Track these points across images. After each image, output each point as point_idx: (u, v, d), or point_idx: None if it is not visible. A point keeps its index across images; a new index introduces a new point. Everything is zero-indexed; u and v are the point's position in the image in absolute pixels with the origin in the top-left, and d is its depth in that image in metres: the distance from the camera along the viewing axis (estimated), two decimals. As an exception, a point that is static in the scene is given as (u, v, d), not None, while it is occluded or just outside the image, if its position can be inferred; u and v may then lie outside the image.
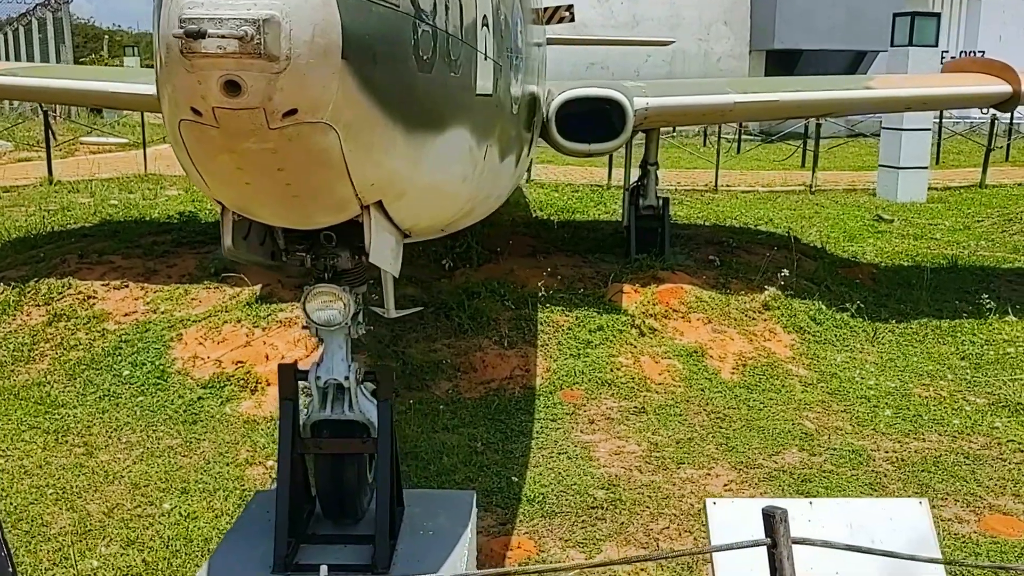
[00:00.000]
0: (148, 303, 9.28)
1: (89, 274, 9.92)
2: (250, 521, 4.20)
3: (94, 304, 9.35)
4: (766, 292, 9.42)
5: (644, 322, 8.77)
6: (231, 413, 7.46)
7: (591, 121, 8.31)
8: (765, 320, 9.16)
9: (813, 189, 18.55)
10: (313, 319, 3.77)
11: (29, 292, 9.59)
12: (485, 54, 3.65)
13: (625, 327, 8.70)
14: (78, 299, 9.44)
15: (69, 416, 7.46)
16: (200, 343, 8.43)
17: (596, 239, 11.47)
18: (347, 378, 3.90)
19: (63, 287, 9.64)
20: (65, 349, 8.68)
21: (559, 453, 6.78)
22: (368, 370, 4.02)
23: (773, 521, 2.88)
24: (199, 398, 7.67)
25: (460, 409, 7.43)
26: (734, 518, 4.29)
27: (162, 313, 9.06)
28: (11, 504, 6.06)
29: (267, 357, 8.16)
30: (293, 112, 2.50)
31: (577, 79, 11.29)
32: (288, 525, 3.93)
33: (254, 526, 4.10)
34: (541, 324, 8.64)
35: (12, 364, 8.55)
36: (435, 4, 3.03)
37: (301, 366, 4.04)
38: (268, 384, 7.76)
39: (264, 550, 3.84)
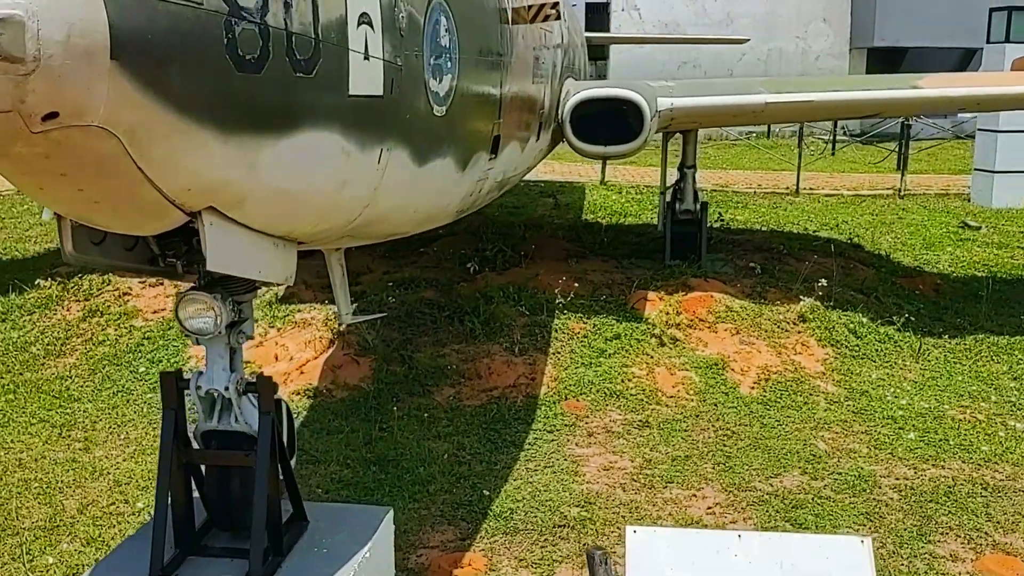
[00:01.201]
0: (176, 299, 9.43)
1: (130, 271, 10.17)
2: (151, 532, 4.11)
3: (128, 301, 9.58)
4: (802, 303, 8.93)
5: (665, 332, 8.43)
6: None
7: (609, 122, 8.03)
8: (799, 332, 8.68)
9: (902, 193, 17.64)
10: (186, 327, 3.67)
11: (72, 288, 9.90)
12: (366, 54, 3.48)
13: (644, 336, 8.38)
14: (114, 295, 9.69)
15: (79, 411, 7.63)
16: (216, 342, 8.50)
17: (636, 244, 11.15)
18: (227, 388, 3.79)
19: (103, 283, 9.91)
20: (94, 344, 8.91)
21: (545, 467, 6.55)
22: (250, 381, 3.89)
23: (593, 563, 2.62)
24: (204, 397, 7.72)
25: (457, 417, 7.27)
26: (654, 548, 4.01)
27: (188, 311, 9.19)
28: (-5, 496, 6.22)
29: (276, 358, 8.18)
30: (54, 115, 2.39)
31: (670, 78, 11.10)
32: (175, 536, 3.86)
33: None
34: (556, 331, 8.40)
35: (44, 358, 8.82)
36: (266, 2, 2.88)
37: (186, 375, 3.95)
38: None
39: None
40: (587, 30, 32.68)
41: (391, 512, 4.39)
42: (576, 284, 9.01)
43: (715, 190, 17.44)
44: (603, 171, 18.56)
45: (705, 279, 9.40)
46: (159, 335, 8.79)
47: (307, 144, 3.21)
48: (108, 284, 9.91)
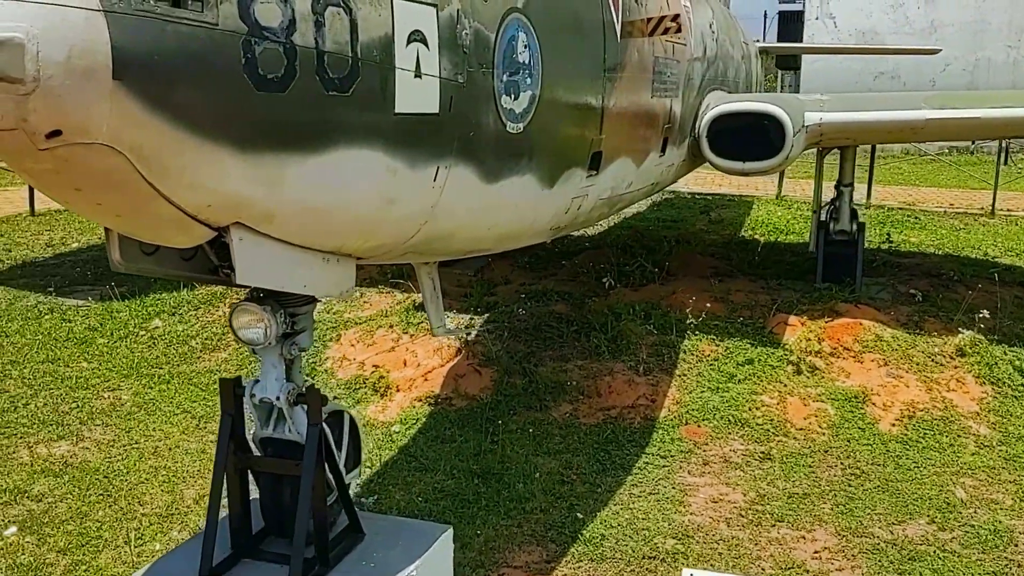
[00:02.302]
0: (326, 303, 9.82)
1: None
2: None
3: (281, 300, 10.03)
4: (961, 335, 8.22)
5: (804, 359, 7.98)
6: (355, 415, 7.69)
7: (750, 138, 7.69)
8: (955, 367, 8.00)
9: (1116, 218, 16.01)
10: (239, 337, 3.77)
11: (233, 287, 10.47)
12: (417, 72, 3.46)
13: (780, 363, 7.96)
14: (270, 295, 10.17)
15: (218, 404, 8.04)
16: (352, 344, 8.79)
17: (792, 263, 10.63)
18: (278, 398, 3.86)
19: (262, 283, 10.42)
20: (246, 341, 9.38)
21: (650, 494, 6.33)
22: (301, 392, 3.95)
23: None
24: (334, 397, 7.98)
25: (570, 434, 7.16)
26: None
27: (333, 313, 9.56)
28: (102, 479, 6.64)
29: (405, 363, 8.34)
30: (58, 133, 2.50)
31: (863, 90, 10.53)
32: (231, 537, 3.98)
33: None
34: (685, 352, 8.13)
35: (201, 351, 9.38)
36: (293, 21, 2.91)
37: (244, 381, 4.06)
38: (397, 390, 7.93)
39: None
40: (781, 39, 31.73)
41: (450, 530, 4.35)
42: (710, 304, 8.70)
43: (899, 208, 16.44)
44: (779, 185, 17.88)
45: (856, 305, 8.83)
46: (302, 335, 9.14)
47: (343, 161, 3.22)
48: (266, 284, 10.42)
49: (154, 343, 9.63)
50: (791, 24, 31.86)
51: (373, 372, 8.19)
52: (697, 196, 16.99)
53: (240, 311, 3.72)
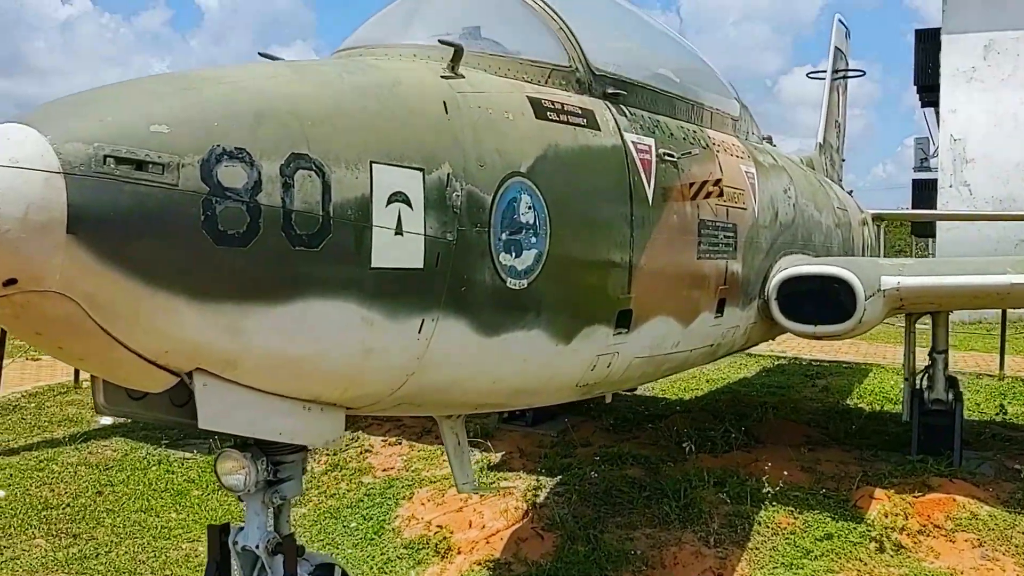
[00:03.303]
0: (407, 460, 9.92)
1: (378, 429, 10.89)
2: None
3: (367, 458, 10.21)
4: (1070, 516, 7.53)
5: (889, 536, 7.45)
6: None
7: (821, 301, 7.53)
8: (1063, 552, 7.29)
9: None
10: (222, 483, 3.87)
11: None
12: (398, 230, 3.62)
13: (861, 539, 7.46)
14: (357, 451, 10.37)
15: (286, 558, 8.12)
16: (423, 503, 8.78)
17: (893, 434, 10.07)
18: (257, 546, 3.91)
19: (353, 440, 10.66)
20: (326, 497, 9.53)
21: (699, 674, 5.94)
22: (279, 541, 3.98)
23: None
24: (397, 557, 7.94)
25: (627, 607, 6.85)
26: None
27: (412, 471, 9.62)
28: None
29: (470, 524, 8.24)
30: (13, 281, 2.75)
31: (1004, 255, 10.19)
32: None
33: None
34: (760, 524, 7.73)
35: (284, 505, 9.55)
36: (258, 183, 3.13)
37: (233, 528, 4.12)
38: (458, 552, 7.82)
39: None
40: (915, 206, 31.11)
41: None
42: (794, 473, 8.30)
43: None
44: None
45: (951, 479, 8.25)
46: (379, 492, 9.23)
47: (312, 312, 3.37)
48: (356, 440, 10.65)
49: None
50: (925, 191, 31.36)
51: (437, 533, 8.12)
52: (814, 363, 16.47)
53: (224, 457, 3.84)
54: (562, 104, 4.85)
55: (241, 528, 4.03)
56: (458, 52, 4.28)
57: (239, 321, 3.19)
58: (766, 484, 8.03)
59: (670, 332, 6.04)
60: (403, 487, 9.24)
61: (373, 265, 3.56)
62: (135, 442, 11.90)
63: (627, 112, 5.52)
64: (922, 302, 8.21)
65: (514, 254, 4.28)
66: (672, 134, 6.05)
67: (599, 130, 5.08)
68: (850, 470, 8.72)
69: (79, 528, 9.06)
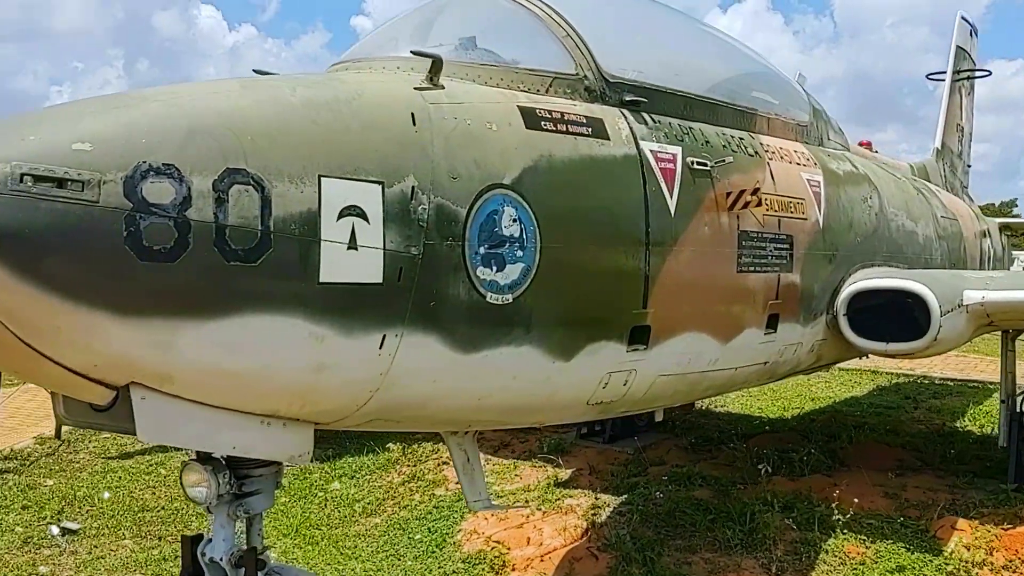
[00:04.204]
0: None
1: (459, 442, 10.88)
2: None
3: (443, 470, 10.23)
4: None
5: (968, 571, 6.90)
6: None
7: (894, 317, 7.07)
8: None
9: None
10: (187, 494, 3.91)
11: (409, 452, 10.85)
12: (352, 244, 3.57)
13: (936, 574, 6.93)
14: (435, 464, 10.42)
15: (349, 569, 8.21)
16: (486, 518, 8.71)
17: (993, 459, 9.33)
18: (221, 559, 3.92)
19: (432, 452, 10.72)
20: (399, 508, 9.60)
21: None
22: (241, 555, 3.98)
23: None
24: (452, 571, 7.90)
25: (676, 635, 6.59)
26: None
27: (483, 486, 9.56)
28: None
29: (528, 541, 8.13)
30: (-73, 297, 2.86)
31: None
32: None
33: None
34: (827, 553, 7.29)
35: (360, 515, 9.68)
36: (187, 199, 3.15)
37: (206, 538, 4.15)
38: (513, 569, 7.72)
39: None
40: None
41: None
42: (858, 500, 7.79)
43: None
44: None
45: (1048, 511, 7.58)
46: (447, 505, 9.22)
47: (251, 327, 3.36)
48: (435, 453, 10.70)
49: (324, 505, 10.07)
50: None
51: (494, 548, 8.04)
52: (935, 382, 15.53)
53: (188, 469, 3.89)
54: (562, 113, 4.70)
55: (210, 540, 4.06)
56: (436, 63, 4.21)
57: (170, 336, 3.20)
58: (836, 510, 7.58)
59: (705, 349, 5.77)
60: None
61: (322, 280, 3.52)
62: (241, 448, 12.30)
63: (649, 120, 5.31)
64: (1011, 318, 7.58)
65: (495, 268, 4.17)
66: (708, 142, 5.79)
67: (607, 139, 4.90)
68: (938, 498, 8.13)
69: (166, 531, 9.43)
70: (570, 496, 8.77)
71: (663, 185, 5.21)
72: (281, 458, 3.86)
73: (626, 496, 8.57)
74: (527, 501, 8.80)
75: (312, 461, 11.50)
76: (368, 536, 9.03)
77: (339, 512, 9.79)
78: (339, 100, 3.80)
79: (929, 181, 13.17)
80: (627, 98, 5.22)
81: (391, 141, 3.84)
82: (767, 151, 6.51)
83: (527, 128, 4.46)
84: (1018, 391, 9.01)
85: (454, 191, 4.00)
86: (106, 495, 10.62)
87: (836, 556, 7.25)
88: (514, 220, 4.26)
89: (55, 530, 9.34)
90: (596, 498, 8.57)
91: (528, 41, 5.06)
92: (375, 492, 10.15)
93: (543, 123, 4.56)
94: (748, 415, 12.25)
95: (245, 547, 4.04)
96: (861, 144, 11.07)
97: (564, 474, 9.33)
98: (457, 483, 9.68)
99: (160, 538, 9.20)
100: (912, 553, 7.17)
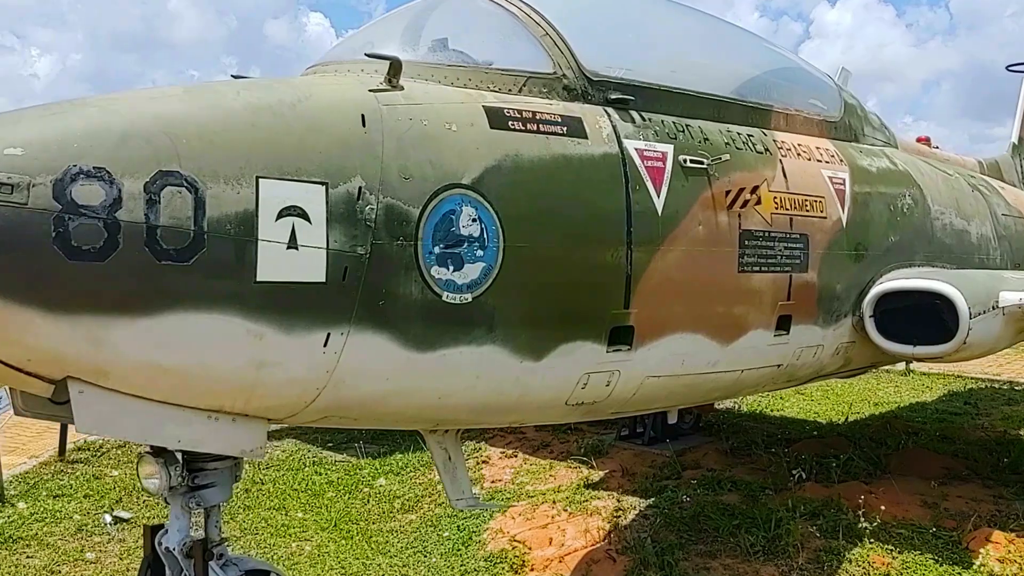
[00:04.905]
0: (516, 473, 9.90)
1: (500, 441, 10.94)
2: None
3: (481, 468, 10.29)
4: None
5: (999, 586, 6.60)
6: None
7: (922, 319, 6.81)
8: None
9: None
10: (142, 485, 4.03)
11: (452, 451, 10.92)
12: (292, 244, 3.63)
13: (966, 587, 6.65)
14: (475, 462, 10.48)
15: (374, 564, 8.32)
16: (513, 518, 8.72)
17: (1050, 471, 8.90)
18: (175, 548, 4.03)
19: (474, 450, 10.78)
20: (435, 505, 9.68)
21: None
22: (192, 545, 4.07)
23: None
24: (474, 570, 7.92)
25: (686, 641, 6.48)
26: None
27: (517, 484, 9.59)
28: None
29: (550, 542, 8.10)
30: None
31: None
32: None
33: None
34: (850, 562, 7.06)
35: (398, 511, 9.78)
36: (117, 200, 3.26)
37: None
38: (531, 569, 7.70)
39: None
40: None
41: None
42: (885, 507, 7.51)
43: None
44: None
45: (1094, 526, 7.18)
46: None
47: (187, 325, 3.45)
48: (479, 451, 10.75)
49: (367, 500, 10.23)
50: None
51: (516, 548, 8.04)
52: (1015, 388, 14.86)
53: (143, 461, 4.01)
54: (534, 113, 4.68)
55: (167, 531, 4.19)
56: (394, 65, 4.25)
57: (101, 333, 3.32)
58: (863, 519, 7.33)
59: (701, 350, 5.65)
60: (505, 498, 9.22)
61: (259, 279, 3.59)
62: (303, 443, 12.60)
63: (636, 118, 5.24)
64: (1052, 320, 7.20)
65: (452, 267, 4.18)
66: (707, 139, 5.68)
67: (584, 138, 4.85)
68: (981, 509, 7.79)
69: (212, 522, 9.71)
70: (598, 498, 8.70)
71: (649, 184, 5.13)
72: (232, 452, 3.95)
73: (653, 499, 8.47)
74: (555, 501, 8.77)
75: (363, 456, 11.66)
76: (401, 532, 9.12)
77: (379, 507, 9.92)
78: (283, 103, 3.87)
79: (1002, 177, 12.62)
80: (612, 96, 5.16)
81: (337, 142, 3.88)
82: (781, 148, 6.34)
83: (492, 128, 4.45)
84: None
85: (406, 191, 4.02)
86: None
87: (859, 566, 7.01)
88: (473, 220, 4.26)
89: (108, 518, 9.73)
90: (622, 500, 8.49)
91: (503, 41, 5.05)
92: (415, 489, 10.26)
93: (511, 122, 4.54)
94: (798, 419, 11.95)
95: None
96: (919, 140, 10.68)
97: (596, 475, 9.27)
98: (493, 482, 9.82)
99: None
100: (941, 565, 6.88)
